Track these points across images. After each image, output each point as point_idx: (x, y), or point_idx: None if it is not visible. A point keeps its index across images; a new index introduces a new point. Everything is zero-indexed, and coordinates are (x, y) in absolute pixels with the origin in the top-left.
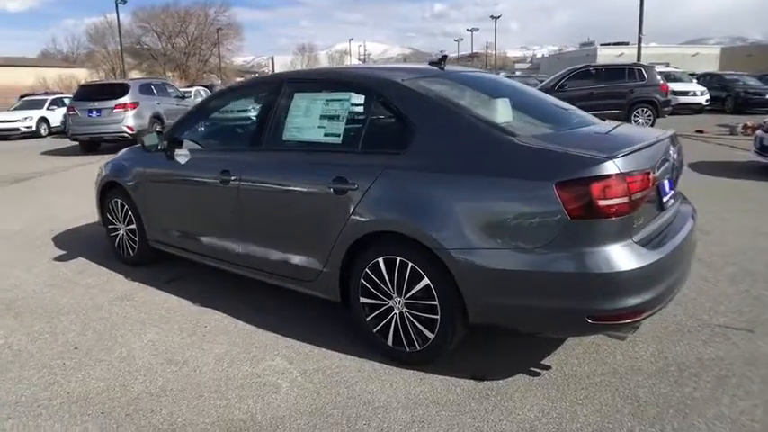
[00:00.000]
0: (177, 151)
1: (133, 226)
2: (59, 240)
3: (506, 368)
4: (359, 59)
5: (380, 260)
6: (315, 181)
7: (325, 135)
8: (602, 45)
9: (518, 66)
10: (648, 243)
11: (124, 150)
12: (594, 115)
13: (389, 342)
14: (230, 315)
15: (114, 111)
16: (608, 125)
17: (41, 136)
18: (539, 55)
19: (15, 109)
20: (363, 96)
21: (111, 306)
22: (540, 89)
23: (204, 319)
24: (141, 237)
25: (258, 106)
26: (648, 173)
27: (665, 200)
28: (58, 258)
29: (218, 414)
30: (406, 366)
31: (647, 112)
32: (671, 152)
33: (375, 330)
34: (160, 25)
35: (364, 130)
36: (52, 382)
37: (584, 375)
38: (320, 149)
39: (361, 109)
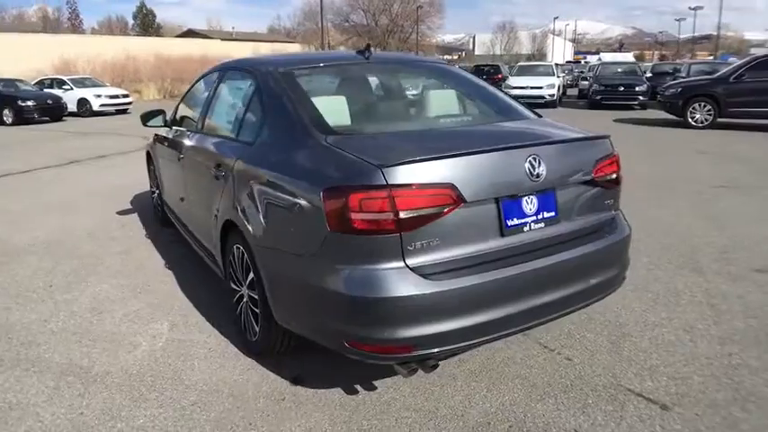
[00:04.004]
0: (174, 128)
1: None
2: (137, 198)
3: (334, 378)
4: (567, 40)
5: (234, 248)
6: (208, 165)
7: (227, 122)
8: None
9: (754, 50)
10: (445, 271)
11: None
12: None
13: (242, 327)
14: (178, 280)
15: None
16: (512, 124)
17: None
18: None
19: None
20: (250, 85)
21: (111, 257)
22: (715, 79)
23: (155, 279)
24: (161, 200)
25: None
26: (448, 188)
27: (511, 222)
28: (121, 212)
29: (70, 357)
30: (251, 355)
31: None
32: (536, 165)
33: (237, 313)
34: (366, 3)
35: (243, 119)
36: (6, 308)
37: (398, 407)
38: (221, 135)
39: (248, 98)
